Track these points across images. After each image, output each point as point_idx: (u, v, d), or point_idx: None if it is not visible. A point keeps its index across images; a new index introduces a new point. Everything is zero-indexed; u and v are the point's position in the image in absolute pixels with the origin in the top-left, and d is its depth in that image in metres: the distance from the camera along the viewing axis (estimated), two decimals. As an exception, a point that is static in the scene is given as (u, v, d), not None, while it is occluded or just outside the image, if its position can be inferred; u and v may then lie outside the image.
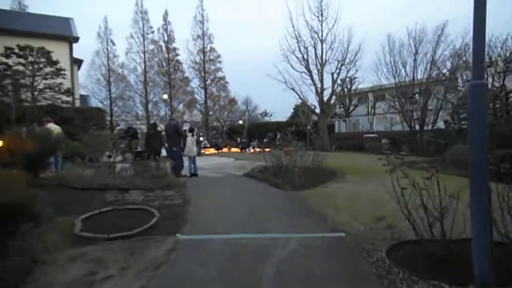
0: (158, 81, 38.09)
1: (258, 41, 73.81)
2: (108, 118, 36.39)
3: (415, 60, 21.86)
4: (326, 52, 24.10)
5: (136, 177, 8.08)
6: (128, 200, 6.65)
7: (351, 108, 39.60)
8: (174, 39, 38.64)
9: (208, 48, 38.56)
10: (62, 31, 20.92)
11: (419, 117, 22.27)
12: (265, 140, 23.04)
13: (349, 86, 32.61)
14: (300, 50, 24.41)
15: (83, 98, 24.35)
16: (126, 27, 44.64)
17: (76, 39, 21.23)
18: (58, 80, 18.21)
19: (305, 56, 24.34)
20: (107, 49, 37.26)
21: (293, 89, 24.94)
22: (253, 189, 7.89)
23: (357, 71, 23.34)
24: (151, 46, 37.73)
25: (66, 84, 19.88)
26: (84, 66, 48.09)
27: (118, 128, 34.24)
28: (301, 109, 34.38)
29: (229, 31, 65.57)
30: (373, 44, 22.65)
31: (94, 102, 36.89)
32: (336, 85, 24.20)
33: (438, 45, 21.13)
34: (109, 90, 37.47)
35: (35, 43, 17.45)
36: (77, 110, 18.81)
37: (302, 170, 9.16)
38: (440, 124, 22.31)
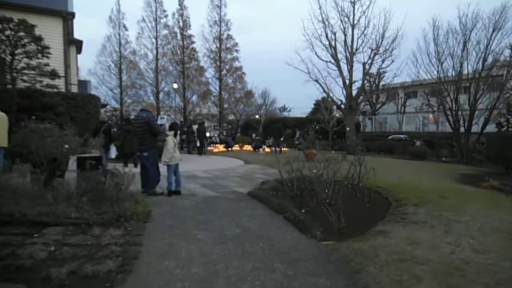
0: (170, 70, 35.07)
1: (279, 29, 69.86)
2: (109, 107, 33.58)
3: (464, 49, 17.79)
4: (358, 38, 20.43)
5: (71, 200, 4.87)
6: (21, 254, 3.47)
7: (378, 105, 35.62)
8: (190, 25, 35.46)
9: (225, 36, 35.22)
10: (53, 5, 17.98)
11: (464, 117, 18.36)
12: (281, 139, 19.62)
13: (377, 81, 28.76)
14: (327, 36, 20.82)
15: (82, 84, 21.48)
16: (139, 11, 41.73)
17: (72, 15, 18.27)
18: (45, 61, 15.27)
19: (333, 43, 20.73)
20: (119, 34, 34.35)
21: (316, 80, 21.43)
22: (261, 234, 4.43)
23: (393, 61, 19.59)
24: (164, 32, 34.64)
25: (56, 65, 16.97)
26: (94, 51, 45.44)
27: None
28: (324, 104, 30.86)
29: (247, 18, 61.77)
30: (413, 30, 18.75)
31: (104, 90, 34.39)
32: (367, 77, 20.45)
33: (495, 33, 17.05)
34: (120, 78, 34.72)
35: (18, 17, 14.53)
36: (65, 96, 15.86)
37: (335, 189, 5.82)
38: (491, 127, 18.42)
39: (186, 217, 5.08)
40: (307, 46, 21.86)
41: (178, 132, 6.40)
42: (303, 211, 5.44)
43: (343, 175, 6.77)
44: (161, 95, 34.98)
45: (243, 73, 36.16)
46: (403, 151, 20.59)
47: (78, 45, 21.36)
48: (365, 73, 20.17)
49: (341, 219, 4.57)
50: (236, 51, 35.49)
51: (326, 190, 6.06)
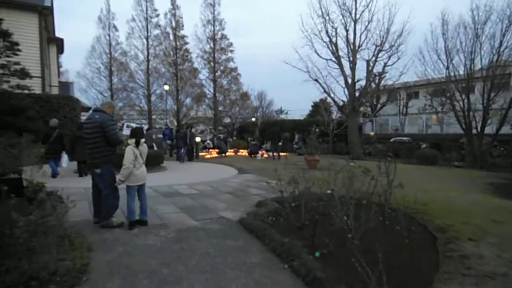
0: (163, 71, 33.27)
1: (277, 29, 68.06)
2: (88, 112, 31.55)
3: (477, 44, 16.12)
4: (361, 34, 18.72)
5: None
6: None
7: (378, 106, 33.95)
8: (182, 25, 33.72)
9: (219, 35, 33.48)
10: (30, -1, 16.23)
11: (476, 118, 16.69)
12: (280, 144, 17.84)
13: (377, 80, 27.06)
14: (327, 32, 19.09)
15: (64, 85, 19.67)
16: (129, 11, 39.79)
17: (49, 10, 16.45)
18: (16, 59, 13.51)
19: (334, 40, 19.03)
20: (109, 35, 32.61)
21: (316, 80, 19.66)
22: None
23: (399, 58, 17.90)
24: (156, 31, 32.88)
25: (31, 64, 15.20)
26: (83, 53, 43.20)
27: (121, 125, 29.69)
28: (324, 106, 29.15)
29: (242, 18, 59.86)
30: (420, 25, 17.12)
31: (93, 93, 32.59)
32: (372, 76, 18.74)
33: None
34: (110, 80, 32.90)
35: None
36: (38, 98, 14.04)
37: (355, 212, 4.09)
38: (505, 129, 16.79)
39: (143, 271, 3.30)
40: (306, 43, 20.12)
41: (143, 140, 4.61)
42: (317, 254, 3.69)
43: (358, 190, 4.95)
44: (153, 98, 33.21)
45: (238, 74, 34.50)
46: (409, 155, 18.92)
47: (59, 43, 19.57)
48: (369, 71, 18.46)
49: (382, 279, 2.81)
50: (231, 51, 33.82)
51: (346, 218, 4.31)
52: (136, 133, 4.60)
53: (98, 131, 4.49)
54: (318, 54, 19.82)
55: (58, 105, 14.45)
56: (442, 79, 20.92)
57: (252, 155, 17.74)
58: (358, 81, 19.05)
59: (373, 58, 18.46)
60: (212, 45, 33.51)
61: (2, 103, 12.44)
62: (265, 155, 17.48)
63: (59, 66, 21.81)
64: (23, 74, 13.13)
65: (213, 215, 5.41)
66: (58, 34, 19.68)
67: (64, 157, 9.30)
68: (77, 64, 69.97)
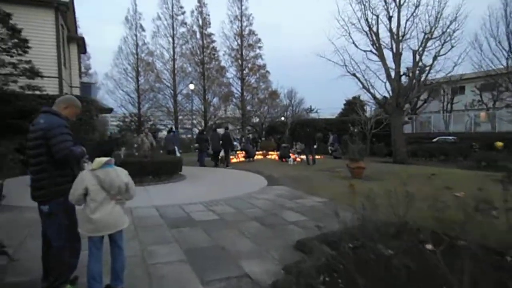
0: (189, 71, 31.98)
1: (307, 22, 64.98)
2: (107, 115, 30.69)
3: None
4: (406, 21, 16.23)
5: None
6: None
7: (419, 103, 30.81)
8: (209, 23, 32.27)
9: (247, 31, 31.74)
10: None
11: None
12: (315, 146, 15.69)
13: (425, 73, 24.08)
14: (367, 20, 16.74)
15: (85, 86, 18.46)
16: (155, 9, 38.71)
17: (65, 6, 15.22)
18: (29, 58, 12.31)
19: (374, 29, 16.66)
20: (135, 36, 31.73)
21: (354, 74, 17.33)
22: None
23: (452, 47, 15.24)
24: (182, 29, 31.63)
25: (48, 64, 14.04)
26: (110, 54, 42.88)
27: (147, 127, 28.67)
28: (360, 103, 26.67)
29: (271, 12, 57.13)
30: (476, 9, 14.41)
31: (121, 95, 31.89)
32: (418, 68, 16.18)
33: None
34: (137, 81, 31.98)
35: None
36: (51, 99, 12.72)
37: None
38: None
39: None
40: (342, 34, 17.88)
41: (111, 162, 2.73)
42: None
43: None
44: (179, 98, 31.98)
45: (267, 71, 32.56)
46: (460, 157, 16.20)
47: (80, 42, 18.43)
48: (416, 63, 15.92)
49: None
50: (259, 47, 31.96)
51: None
52: (104, 149, 2.76)
53: (40, 145, 2.70)
54: (356, 45, 17.49)
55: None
56: (503, 71, 18.06)
57: (283, 159, 15.73)
58: (403, 74, 16.55)
59: (421, 48, 15.90)
60: (239, 42, 31.82)
61: (9, 105, 11.22)
62: (298, 159, 15.40)
63: (81, 66, 20.74)
64: (33, 73, 11.85)
65: (232, 269, 3.48)
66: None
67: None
68: (106, 67, 70.66)
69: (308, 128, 17.00)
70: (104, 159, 2.65)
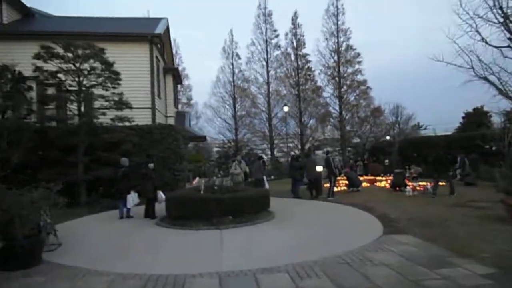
0: (284, 93, 30.68)
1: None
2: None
3: None
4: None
5: None
6: None
7: None
8: (304, 43, 30.75)
9: (344, 47, 29.07)
10: (140, 30, 15.24)
11: None
12: (451, 173, 11.90)
13: None
14: (501, 8, 12.64)
15: (180, 115, 18.32)
16: (248, 35, 38.76)
17: (158, 38, 15.22)
18: (118, 91, 12.11)
19: (509, 20, 12.47)
20: (232, 64, 32.12)
21: (485, 78, 13.16)
22: None
23: None
24: (276, 52, 30.78)
25: (142, 95, 13.97)
26: (209, 84, 44.83)
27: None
28: (488, 115, 21.38)
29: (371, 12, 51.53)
30: None
31: (219, 122, 32.31)
32: None
33: None
34: (234, 108, 32.02)
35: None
36: (140, 130, 12.31)
37: None
38: None
39: None
40: (465, 31, 13.98)
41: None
42: None
43: None
44: (274, 121, 30.73)
45: (368, 87, 29.17)
46: None
47: (175, 73, 18.52)
48: None
49: None
50: (358, 62, 28.87)
51: None
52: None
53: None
54: (486, 42, 13.36)
55: (161, 136, 12.52)
56: None
57: (397, 188, 12.36)
58: None
59: None
60: (336, 59, 29.30)
61: (96, 137, 10.93)
62: (418, 188, 11.81)
63: (177, 96, 20.99)
64: (122, 103, 11.51)
65: None
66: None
67: (129, 197, 8.56)
68: (206, 97, 75.21)
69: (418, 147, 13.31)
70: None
